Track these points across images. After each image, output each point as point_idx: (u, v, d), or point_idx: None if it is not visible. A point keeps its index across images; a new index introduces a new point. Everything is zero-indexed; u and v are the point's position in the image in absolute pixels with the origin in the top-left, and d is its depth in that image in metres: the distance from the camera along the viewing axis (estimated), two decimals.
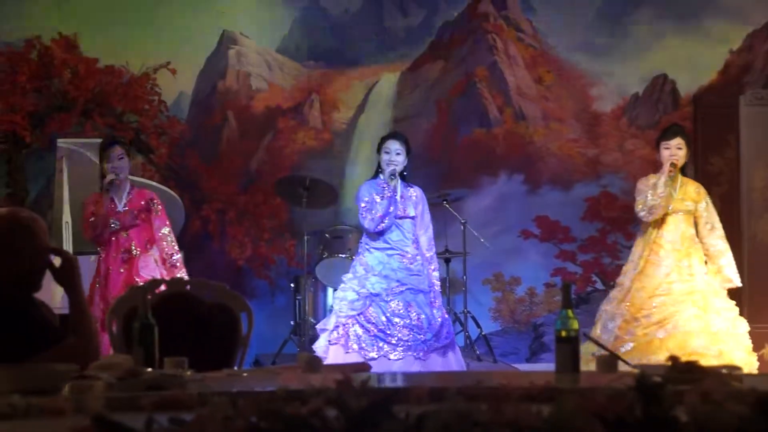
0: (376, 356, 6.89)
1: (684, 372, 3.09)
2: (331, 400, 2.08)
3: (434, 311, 7.13)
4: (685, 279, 7.02)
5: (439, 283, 7.42)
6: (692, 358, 6.55)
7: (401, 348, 6.98)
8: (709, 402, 2.15)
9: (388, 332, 7.00)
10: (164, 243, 7.07)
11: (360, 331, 7.05)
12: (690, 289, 7.00)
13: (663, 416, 2.08)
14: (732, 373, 3.21)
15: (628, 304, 7.05)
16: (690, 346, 6.78)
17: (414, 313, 7.06)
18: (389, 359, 6.88)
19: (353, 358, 6.88)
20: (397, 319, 7.03)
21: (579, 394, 2.47)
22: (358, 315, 7.07)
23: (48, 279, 3.70)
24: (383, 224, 7.11)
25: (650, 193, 7.00)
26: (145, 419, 2.09)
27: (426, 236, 7.36)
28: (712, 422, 2.06)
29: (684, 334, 6.86)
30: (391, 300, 7.07)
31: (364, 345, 7.00)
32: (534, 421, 2.06)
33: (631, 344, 6.91)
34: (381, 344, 6.99)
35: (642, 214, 7.07)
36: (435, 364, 6.92)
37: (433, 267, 7.39)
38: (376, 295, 7.08)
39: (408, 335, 7.01)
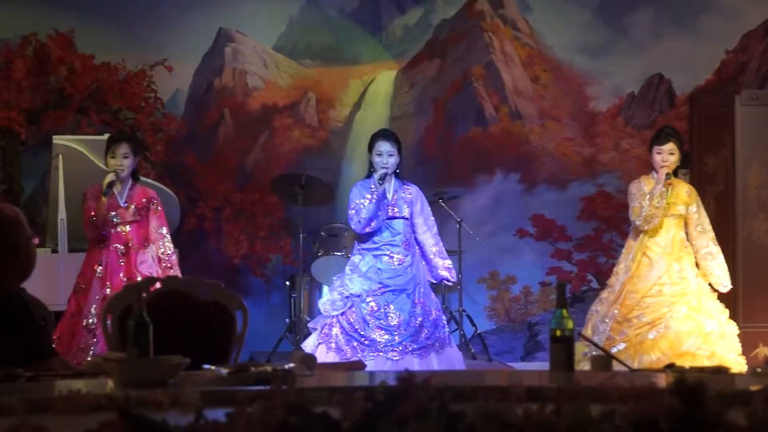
0: (350, 356, 6.87)
1: None
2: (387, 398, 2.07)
3: (416, 309, 7.07)
4: (676, 282, 7.00)
5: (448, 275, 7.30)
6: (685, 358, 6.53)
7: (373, 350, 6.95)
8: None
9: (363, 333, 6.97)
10: (161, 243, 7.11)
11: (338, 331, 7.03)
12: (682, 291, 6.98)
13: (708, 420, 2.04)
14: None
15: (619, 305, 7.04)
16: (682, 346, 6.78)
17: (391, 315, 7.01)
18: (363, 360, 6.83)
19: (332, 357, 6.87)
20: (372, 321, 6.99)
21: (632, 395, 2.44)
22: (340, 315, 7.06)
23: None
24: (370, 227, 7.07)
25: (646, 202, 6.97)
26: (195, 414, 2.12)
27: (430, 232, 7.28)
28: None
29: (676, 334, 6.85)
30: (370, 301, 7.04)
31: (340, 345, 6.98)
32: (561, 424, 2.04)
33: (623, 344, 6.90)
34: (355, 344, 6.97)
35: (638, 222, 7.02)
36: (410, 366, 6.73)
37: (443, 263, 7.30)
38: (357, 295, 7.06)
39: (382, 337, 6.98)
